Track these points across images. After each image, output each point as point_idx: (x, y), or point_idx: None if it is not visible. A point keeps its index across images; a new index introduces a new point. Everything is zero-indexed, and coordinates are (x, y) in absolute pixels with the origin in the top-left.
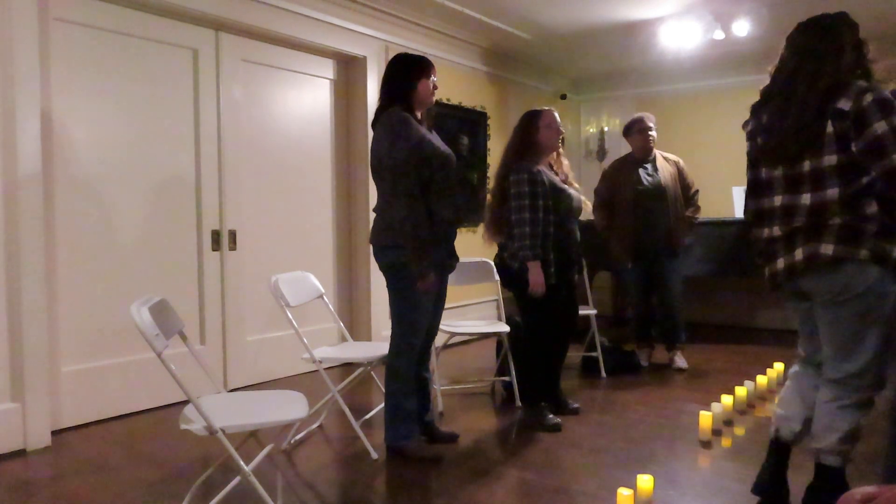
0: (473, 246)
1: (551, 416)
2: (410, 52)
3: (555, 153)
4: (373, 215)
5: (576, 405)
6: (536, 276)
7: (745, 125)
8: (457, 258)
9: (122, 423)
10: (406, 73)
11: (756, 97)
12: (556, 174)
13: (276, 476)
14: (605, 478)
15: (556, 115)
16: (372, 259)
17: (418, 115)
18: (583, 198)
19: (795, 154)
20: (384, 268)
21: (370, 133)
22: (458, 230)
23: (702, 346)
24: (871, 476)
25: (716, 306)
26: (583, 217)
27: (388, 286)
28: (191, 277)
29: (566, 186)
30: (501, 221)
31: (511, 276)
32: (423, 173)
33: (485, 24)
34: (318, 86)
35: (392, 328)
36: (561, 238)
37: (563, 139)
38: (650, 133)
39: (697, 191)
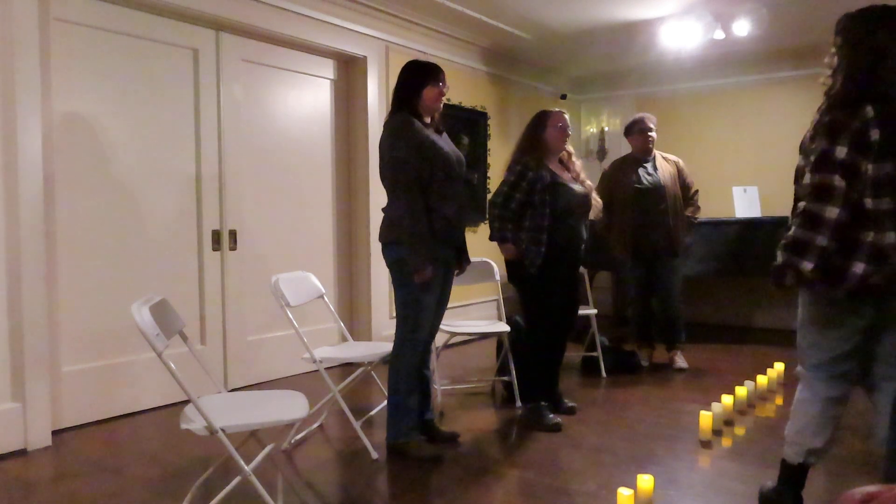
0: (473, 246)
1: (552, 415)
2: (410, 51)
3: (567, 153)
4: (375, 215)
5: (571, 404)
6: (506, 251)
7: (843, 121)
8: (468, 260)
9: (122, 423)
10: (413, 79)
11: (760, 97)
12: (569, 172)
13: (277, 476)
14: (605, 478)
15: (567, 117)
16: (372, 259)
17: (426, 119)
18: (593, 194)
19: None
20: (389, 265)
21: (371, 133)
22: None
23: (702, 346)
24: (871, 476)
25: (716, 306)
26: (591, 216)
27: (393, 283)
28: (191, 277)
29: (571, 183)
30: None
31: (511, 268)
32: (423, 172)
33: (485, 24)
34: (318, 86)
35: (397, 325)
36: (561, 234)
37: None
38: (650, 133)
39: (697, 191)
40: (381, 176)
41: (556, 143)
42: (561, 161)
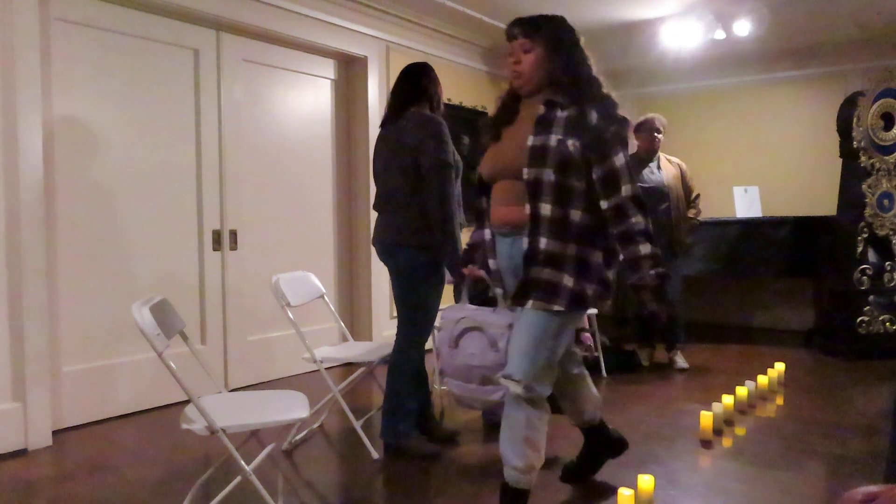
0: None
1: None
2: (411, 51)
3: None
4: (375, 214)
5: None
6: None
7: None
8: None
9: (123, 423)
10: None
11: (760, 97)
12: None
13: (277, 476)
14: (605, 478)
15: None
16: (373, 259)
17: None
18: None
19: None
20: (403, 268)
21: (371, 133)
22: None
23: (702, 346)
24: (872, 476)
25: (716, 306)
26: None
27: (403, 286)
28: (192, 277)
29: None
30: None
31: None
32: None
33: (485, 24)
34: (319, 86)
35: (399, 326)
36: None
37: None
38: (657, 135)
39: (698, 195)
40: (405, 173)
41: None
42: None
